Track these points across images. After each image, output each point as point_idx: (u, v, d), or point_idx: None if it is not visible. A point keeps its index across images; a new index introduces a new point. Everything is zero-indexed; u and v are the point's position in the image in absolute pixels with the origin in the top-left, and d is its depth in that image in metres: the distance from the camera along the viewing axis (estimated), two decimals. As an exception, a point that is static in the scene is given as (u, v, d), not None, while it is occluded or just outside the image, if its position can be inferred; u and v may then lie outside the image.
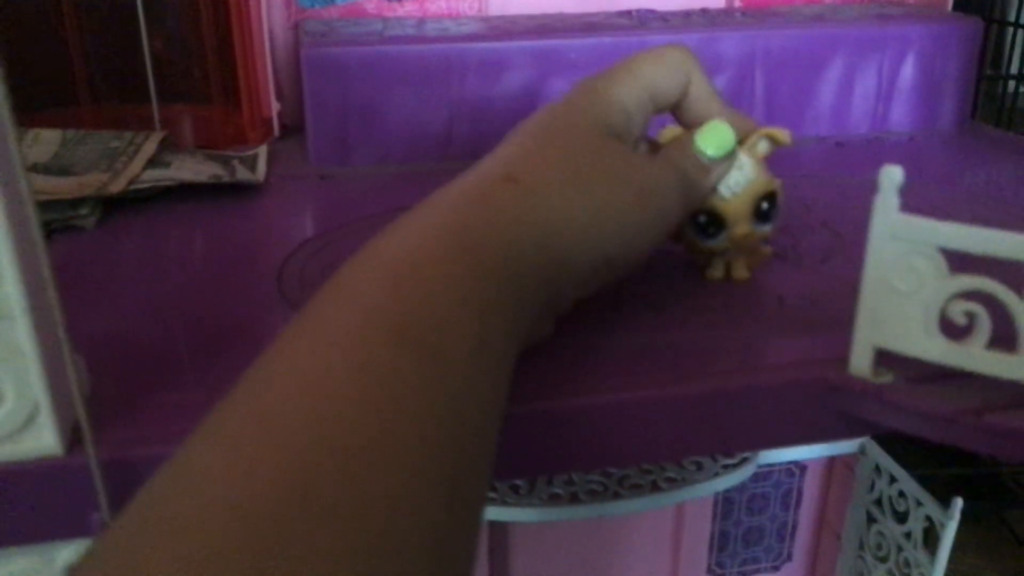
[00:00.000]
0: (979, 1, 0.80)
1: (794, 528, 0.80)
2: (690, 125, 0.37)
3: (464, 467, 0.24)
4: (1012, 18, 0.85)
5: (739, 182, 0.37)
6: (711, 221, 0.37)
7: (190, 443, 0.23)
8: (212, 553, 0.19)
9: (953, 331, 0.31)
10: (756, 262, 0.40)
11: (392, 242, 0.28)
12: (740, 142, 0.37)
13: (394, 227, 0.29)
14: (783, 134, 0.37)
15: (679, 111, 0.37)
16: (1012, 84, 0.83)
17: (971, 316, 0.30)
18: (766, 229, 0.38)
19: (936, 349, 0.31)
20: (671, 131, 0.38)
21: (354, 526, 0.21)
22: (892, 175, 0.30)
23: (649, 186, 0.33)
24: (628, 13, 0.61)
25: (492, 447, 0.26)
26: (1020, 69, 0.82)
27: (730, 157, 0.36)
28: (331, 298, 0.27)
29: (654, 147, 0.38)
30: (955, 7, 0.64)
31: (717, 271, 0.39)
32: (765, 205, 0.37)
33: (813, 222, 0.46)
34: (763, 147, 0.37)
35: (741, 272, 0.39)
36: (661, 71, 0.35)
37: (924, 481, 0.68)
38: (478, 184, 0.31)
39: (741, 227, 0.37)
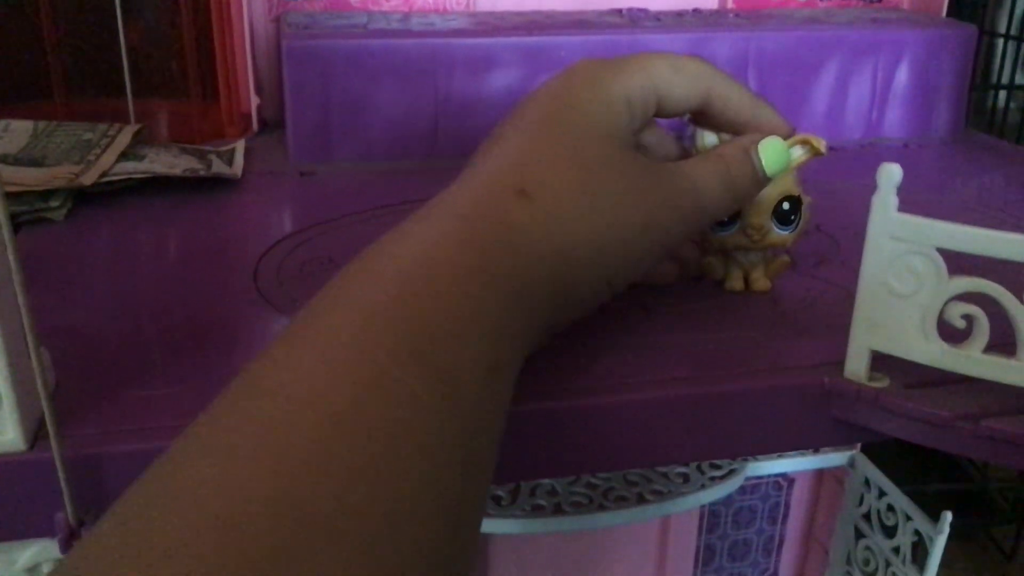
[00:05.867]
0: (970, 13, 0.79)
1: (781, 542, 0.79)
2: (728, 129, 0.36)
3: (468, 491, 0.23)
4: (1002, 30, 0.85)
5: None
6: None
7: (176, 451, 0.21)
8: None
9: (951, 334, 0.30)
10: (774, 272, 0.38)
11: (400, 248, 0.27)
12: None
13: (400, 232, 0.28)
14: (819, 141, 0.35)
15: (711, 119, 0.36)
16: (1002, 96, 0.83)
17: (970, 319, 0.30)
18: (784, 233, 0.36)
19: (933, 353, 0.30)
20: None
21: (354, 549, 0.20)
22: (890, 173, 0.30)
23: (660, 211, 0.32)
24: (619, 12, 0.60)
25: (493, 467, 0.26)
26: (1010, 80, 0.82)
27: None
28: (334, 304, 0.25)
29: (667, 146, 0.37)
30: (948, 16, 0.64)
31: (737, 282, 0.38)
32: (786, 205, 0.36)
33: (808, 226, 0.44)
34: (798, 154, 0.36)
35: (761, 283, 0.38)
36: (677, 78, 0.34)
37: (912, 496, 0.67)
38: (489, 193, 0.29)
39: (756, 217, 0.36)
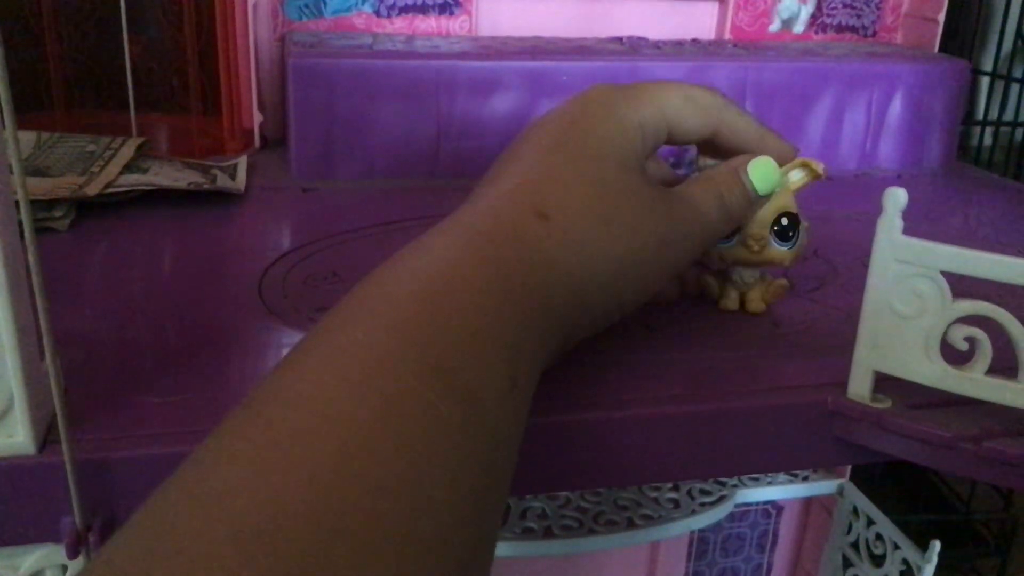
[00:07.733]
0: (958, 49, 0.81)
1: (768, 570, 0.79)
2: (730, 157, 0.36)
3: (489, 507, 0.24)
4: (986, 68, 0.86)
5: None
6: None
7: (200, 458, 0.21)
8: None
9: (953, 356, 0.30)
10: (773, 295, 0.39)
11: (420, 263, 0.27)
12: None
13: (420, 246, 0.28)
14: (817, 165, 0.36)
15: (719, 147, 0.36)
16: (987, 133, 0.84)
17: (972, 341, 0.30)
18: (783, 249, 0.37)
19: (936, 374, 0.31)
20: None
21: (379, 563, 0.20)
22: (896, 197, 0.30)
23: (671, 235, 0.32)
24: (619, 40, 0.60)
25: (511, 481, 0.26)
26: (998, 117, 0.83)
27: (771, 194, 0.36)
28: (357, 317, 0.25)
29: (663, 172, 0.37)
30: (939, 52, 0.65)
31: (731, 302, 0.38)
32: (784, 221, 0.36)
33: (806, 250, 0.45)
34: (797, 177, 0.37)
35: (756, 304, 0.38)
36: (688, 110, 0.34)
37: (899, 526, 0.67)
38: (509, 212, 0.30)
39: (756, 228, 0.36)
